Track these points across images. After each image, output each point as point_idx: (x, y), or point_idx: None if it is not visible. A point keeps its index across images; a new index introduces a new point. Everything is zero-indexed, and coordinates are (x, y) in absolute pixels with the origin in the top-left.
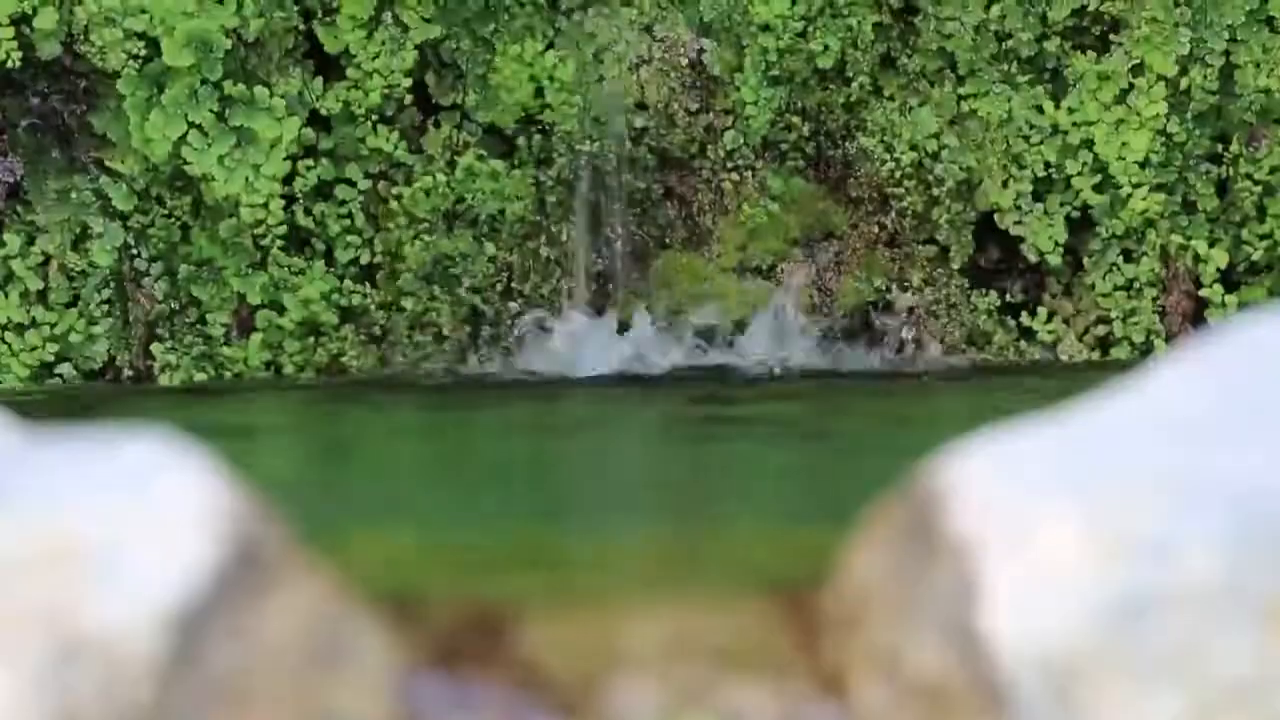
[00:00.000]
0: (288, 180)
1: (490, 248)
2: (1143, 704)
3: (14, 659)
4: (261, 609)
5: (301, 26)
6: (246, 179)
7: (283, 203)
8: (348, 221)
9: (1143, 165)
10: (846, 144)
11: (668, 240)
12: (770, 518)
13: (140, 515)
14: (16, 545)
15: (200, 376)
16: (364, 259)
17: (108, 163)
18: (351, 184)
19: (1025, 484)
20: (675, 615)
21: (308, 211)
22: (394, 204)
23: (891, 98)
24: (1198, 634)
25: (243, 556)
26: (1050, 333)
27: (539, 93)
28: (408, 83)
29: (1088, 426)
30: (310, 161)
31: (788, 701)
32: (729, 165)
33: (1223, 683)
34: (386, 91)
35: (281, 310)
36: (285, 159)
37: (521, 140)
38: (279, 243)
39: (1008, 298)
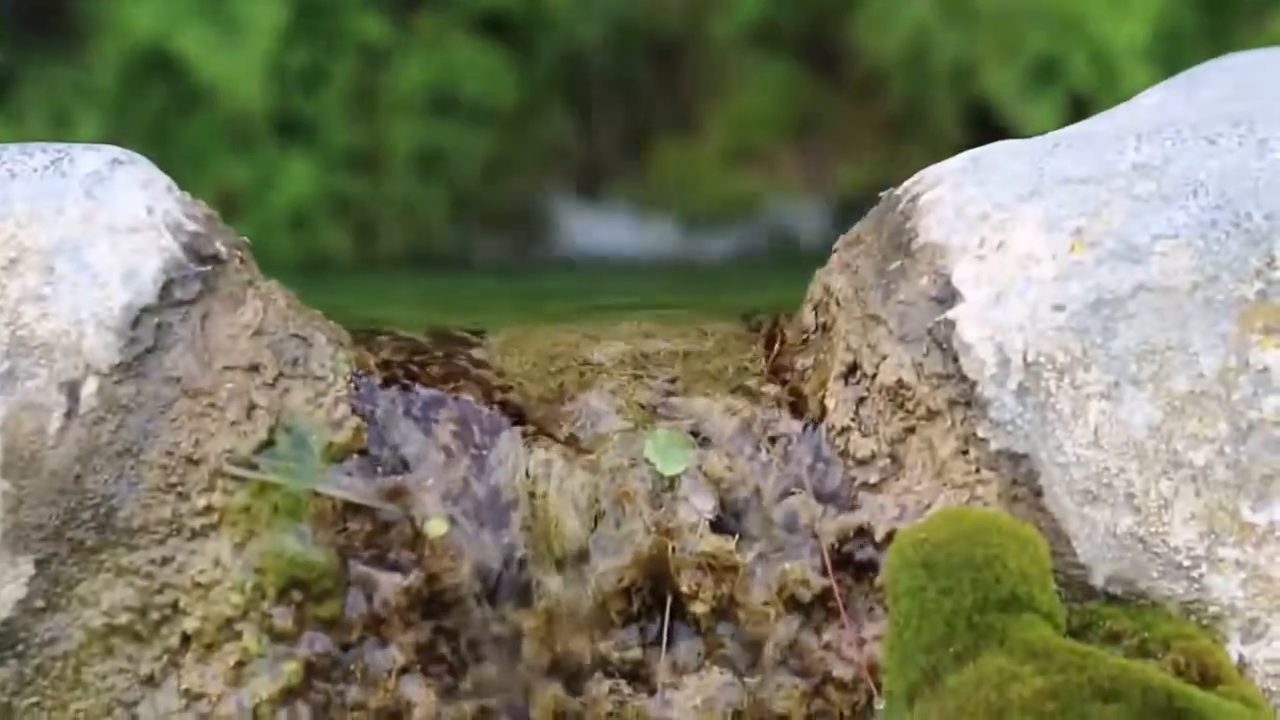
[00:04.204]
0: (274, 66)
1: (479, 134)
2: (1112, 403)
3: None
4: (215, 313)
5: None
6: (231, 64)
7: (268, 89)
8: (334, 108)
9: (1140, 49)
10: (839, 32)
11: (659, 128)
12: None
13: (94, 219)
14: None
15: None
16: (351, 146)
17: (92, 47)
18: (338, 70)
19: (998, 189)
20: (643, 335)
21: (294, 98)
22: (381, 91)
23: None
24: (1166, 332)
25: (196, 261)
26: None
27: None
28: None
29: (1064, 138)
30: (297, 47)
31: (754, 411)
32: (721, 53)
33: (1190, 381)
34: None
35: (268, 197)
36: (271, 44)
37: (511, 27)
38: (264, 129)
39: None
